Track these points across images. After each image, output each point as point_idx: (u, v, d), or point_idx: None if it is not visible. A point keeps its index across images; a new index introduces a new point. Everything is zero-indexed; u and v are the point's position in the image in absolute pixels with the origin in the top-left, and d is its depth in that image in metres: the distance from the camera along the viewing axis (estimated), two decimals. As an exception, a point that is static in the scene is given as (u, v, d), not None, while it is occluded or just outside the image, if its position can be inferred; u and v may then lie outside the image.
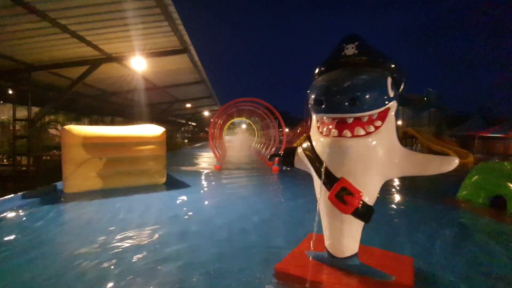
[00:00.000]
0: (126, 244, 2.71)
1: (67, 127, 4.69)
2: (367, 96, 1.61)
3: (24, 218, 3.48)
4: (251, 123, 19.09)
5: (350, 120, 1.71)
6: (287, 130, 15.64)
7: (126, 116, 14.36)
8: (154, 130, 5.46)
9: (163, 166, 5.53)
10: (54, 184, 4.98)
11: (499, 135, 26.62)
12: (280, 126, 10.85)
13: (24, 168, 8.40)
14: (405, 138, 21.20)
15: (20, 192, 4.40)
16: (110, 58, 6.11)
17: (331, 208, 2.00)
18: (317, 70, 2.06)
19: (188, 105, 14.41)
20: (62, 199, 4.37)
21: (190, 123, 25.09)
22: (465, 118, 27.66)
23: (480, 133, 26.02)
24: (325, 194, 2.00)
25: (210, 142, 8.72)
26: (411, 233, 3.13)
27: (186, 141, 24.29)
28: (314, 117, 2.03)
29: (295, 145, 11.40)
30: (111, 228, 3.12)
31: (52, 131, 13.51)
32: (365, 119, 1.72)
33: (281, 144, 9.63)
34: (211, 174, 7.47)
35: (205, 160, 11.48)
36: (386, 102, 1.71)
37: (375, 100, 1.65)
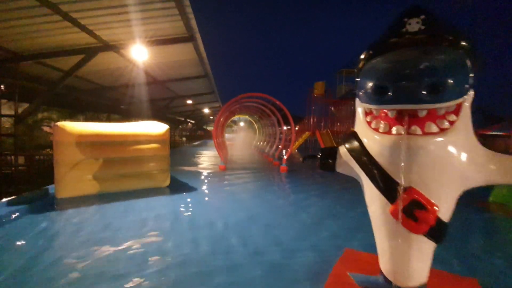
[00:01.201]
0: (124, 262, 2.22)
1: (59, 123, 4.14)
2: (450, 82, 1.26)
3: (5, 232, 2.95)
4: (253, 121, 18.62)
5: (423, 113, 1.34)
6: (285, 128, 15.18)
7: (123, 113, 13.75)
8: (156, 128, 4.95)
9: (167, 168, 5.03)
10: (45, 188, 4.45)
11: (501, 133, 26.64)
12: (280, 124, 10.38)
13: (13, 169, 7.85)
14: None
15: (7, 197, 3.87)
16: (107, 47, 5.47)
17: (394, 225, 1.56)
18: (367, 52, 1.58)
19: (189, 102, 13.83)
20: (54, 205, 3.85)
21: (189, 120, 24.49)
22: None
23: (482, 131, 25.96)
24: (386, 208, 1.55)
25: (214, 141, 8.22)
26: (452, 244, 2.71)
27: (184, 139, 23.75)
28: (359, 109, 1.62)
29: (297, 144, 11.00)
30: (108, 242, 2.63)
31: (46, 129, 12.93)
32: (442, 112, 1.34)
33: (289, 143, 9.23)
34: (216, 175, 6.98)
35: (207, 159, 11.00)
36: (468, 90, 1.35)
37: (457, 86, 1.30)
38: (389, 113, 1.43)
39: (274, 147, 11.51)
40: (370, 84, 1.39)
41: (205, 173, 7.24)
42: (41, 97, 5.51)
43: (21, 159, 8.55)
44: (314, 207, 4.10)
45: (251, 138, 21.34)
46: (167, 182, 5.09)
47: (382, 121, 1.46)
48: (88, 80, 7.93)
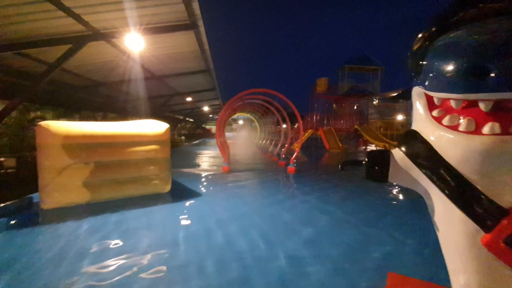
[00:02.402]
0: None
1: (43, 123, 3.59)
2: None
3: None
4: (253, 119, 18.08)
5: None
6: (284, 126, 14.65)
7: (120, 111, 13.14)
8: (155, 127, 4.41)
9: (167, 171, 4.49)
10: (29, 197, 3.91)
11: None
12: (285, 122, 9.86)
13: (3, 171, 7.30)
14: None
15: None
16: (98, 35, 4.82)
17: (487, 260, 1.11)
18: (439, 24, 1.13)
19: (189, 99, 13.22)
20: (37, 219, 3.32)
21: (188, 119, 23.88)
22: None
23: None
24: (476, 237, 1.10)
25: (217, 141, 7.68)
26: None
27: (183, 138, 23.16)
28: (419, 102, 1.22)
29: (287, 145, 10.51)
30: (100, 265, 2.10)
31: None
32: None
33: (296, 142, 8.77)
34: (220, 177, 6.46)
35: (209, 159, 10.48)
36: None
37: None
38: (482, 106, 1.00)
39: (279, 146, 10.99)
40: (455, 66, 1.00)
41: (208, 175, 6.72)
42: (23, 93, 4.89)
43: (11, 162, 7.98)
44: (350, 221, 3.58)
45: (252, 136, 20.80)
46: (168, 188, 4.56)
47: (462, 117, 1.05)
48: (80, 75, 7.28)
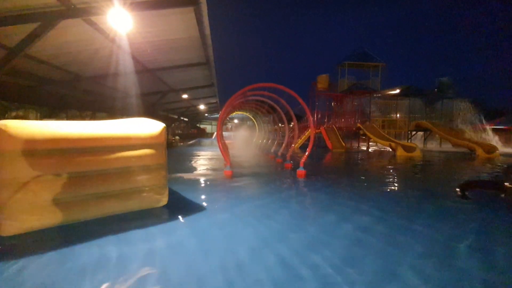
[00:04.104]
0: None
1: (0, 123, 2.73)
2: None
3: None
4: (251, 118, 17.26)
5: None
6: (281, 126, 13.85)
7: (109, 110, 12.16)
8: (149, 127, 3.57)
9: (163, 181, 3.66)
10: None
11: (502, 127, 26.28)
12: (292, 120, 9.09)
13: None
14: (418, 131, 19.97)
15: None
16: (72, 11, 3.76)
17: None
18: None
19: (185, 96, 12.31)
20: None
21: (182, 118, 22.88)
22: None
23: (484, 126, 25.52)
24: None
25: (219, 143, 6.84)
26: None
27: (177, 138, 22.19)
28: None
29: (300, 141, 9.78)
30: None
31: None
32: None
33: (308, 140, 8.02)
34: (223, 185, 5.66)
35: (207, 162, 9.63)
36: None
37: None
38: None
39: (283, 146, 10.21)
40: None
41: (209, 182, 5.90)
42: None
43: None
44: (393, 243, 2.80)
45: (250, 136, 19.97)
46: (164, 201, 3.73)
47: None
48: (59, 67, 6.30)
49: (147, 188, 3.54)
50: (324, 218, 3.55)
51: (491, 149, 13.40)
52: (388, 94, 20.82)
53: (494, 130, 24.67)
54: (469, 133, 18.08)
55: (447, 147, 18.46)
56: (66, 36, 4.74)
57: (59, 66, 6.32)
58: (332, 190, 5.36)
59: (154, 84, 9.83)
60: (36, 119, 12.43)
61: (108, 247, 2.51)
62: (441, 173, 8.47)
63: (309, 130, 18.72)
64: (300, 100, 6.93)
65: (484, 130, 22.08)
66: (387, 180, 6.73)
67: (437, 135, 17.20)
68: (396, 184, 6.27)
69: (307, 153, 6.81)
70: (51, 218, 2.90)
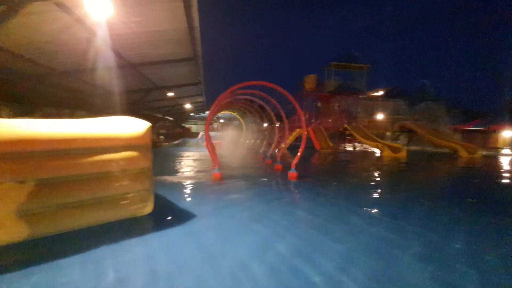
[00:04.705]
0: None
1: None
2: None
3: None
4: (238, 117, 16.93)
5: None
6: (265, 125, 13.64)
7: (89, 108, 11.43)
8: (131, 127, 3.19)
9: (148, 187, 3.29)
10: None
11: (480, 128, 27.43)
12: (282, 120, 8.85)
13: None
14: (402, 132, 20.36)
15: None
16: None
17: None
18: None
19: (170, 94, 11.78)
20: None
21: (167, 117, 22.15)
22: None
23: (462, 127, 26.56)
24: None
25: (207, 144, 6.49)
26: None
27: (162, 137, 21.47)
28: None
29: (284, 145, 9.61)
30: None
31: None
32: None
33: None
34: (212, 188, 5.34)
35: (194, 163, 9.23)
36: None
37: None
38: None
39: (272, 147, 9.97)
40: None
41: (197, 185, 5.54)
42: None
43: None
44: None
45: (237, 136, 19.62)
46: (149, 209, 3.36)
47: None
48: (32, 60, 5.68)
49: (130, 195, 3.16)
50: (335, 231, 3.31)
51: (473, 149, 13.79)
52: (374, 95, 21.12)
53: (472, 131, 25.73)
54: (451, 134, 18.62)
55: (429, 147, 18.92)
56: (38, 24, 4.21)
57: (32, 58, 5.71)
58: (330, 194, 5.16)
59: (137, 81, 9.27)
60: (8, 117, 11.51)
61: (68, 269, 2.14)
62: (439, 175, 8.54)
63: (297, 130, 18.70)
64: (292, 100, 6.69)
65: (462, 131, 22.90)
66: (383, 183, 6.64)
67: (420, 136, 17.58)
68: (395, 187, 6.18)
69: (299, 153, 6.59)
70: (15, 232, 2.48)
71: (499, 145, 23.60)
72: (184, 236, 2.83)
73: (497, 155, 15.06)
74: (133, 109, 12.36)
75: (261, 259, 2.35)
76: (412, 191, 5.69)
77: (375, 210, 3.97)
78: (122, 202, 3.13)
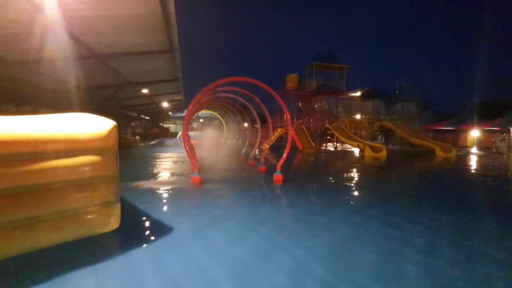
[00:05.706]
0: None
1: None
2: None
3: None
4: (219, 116, 16.35)
5: None
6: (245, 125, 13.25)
7: (52, 105, 10.34)
8: (91, 126, 2.62)
9: (113, 198, 2.73)
10: None
11: (450, 128, 28.85)
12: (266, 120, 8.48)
13: None
14: (381, 132, 20.75)
15: None
16: None
17: None
18: None
19: (145, 91, 10.95)
20: None
21: (143, 116, 21.01)
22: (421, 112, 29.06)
23: (433, 127, 27.80)
24: None
25: (185, 145, 5.92)
26: None
27: (137, 137, 20.33)
28: None
29: (267, 146, 9.30)
30: None
31: None
32: None
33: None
34: (191, 194, 4.85)
35: (171, 165, 8.58)
36: None
37: None
38: None
39: (255, 148, 9.56)
40: None
41: (173, 191, 4.99)
42: None
43: None
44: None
45: (217, 136, 18.99)
46: (114, 224, 2.80)
47: None
48: None
49: (89, 209, 2.59)
50: (330, 242, 2.94)
51: (448, 149, 14.23)
52: (353, 96, 21.38)
53: (443, 131, 26.98)
54: (428, 134, 19.24)
55: (406, 147, 19.43)
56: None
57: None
58: (319, 199, 4.84)
59: (106, 75, 8.43)
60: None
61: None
62: (423, 173, 8.56)
63: (279, 130, 18.45)
64: (278, 98, 6.31)
65: (433, 130, 23.87)
66: (375, 186, 6.46)
67: (398, 136, 17.98)
68: (385, 189, 6.00)
69: (285, 155, 6.20)
70: None
71: (468, 144, 24.93)
72: (152, 263, 2.32)
73: (469, 154, 15.71)
74: (104, 107, 11.41)
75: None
76: (412, 192, 5.54)
77: (376, 223, 3.68)
78: (79, 218, 2.55)
